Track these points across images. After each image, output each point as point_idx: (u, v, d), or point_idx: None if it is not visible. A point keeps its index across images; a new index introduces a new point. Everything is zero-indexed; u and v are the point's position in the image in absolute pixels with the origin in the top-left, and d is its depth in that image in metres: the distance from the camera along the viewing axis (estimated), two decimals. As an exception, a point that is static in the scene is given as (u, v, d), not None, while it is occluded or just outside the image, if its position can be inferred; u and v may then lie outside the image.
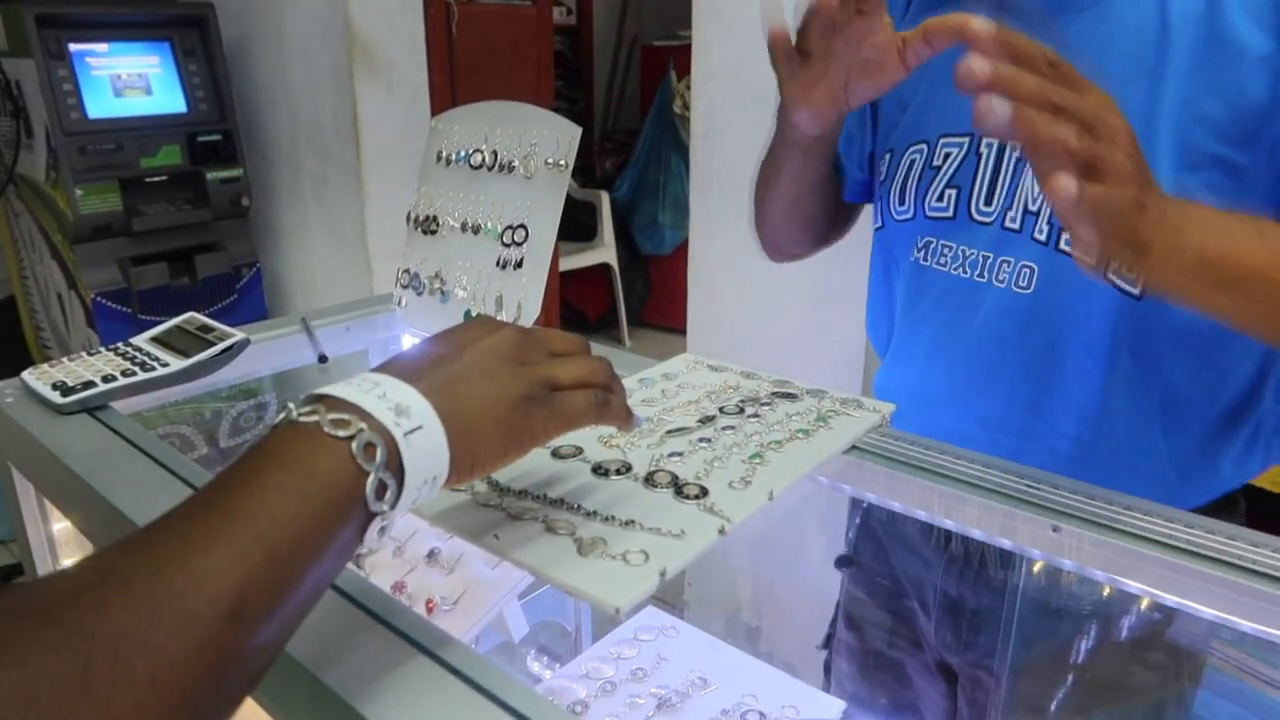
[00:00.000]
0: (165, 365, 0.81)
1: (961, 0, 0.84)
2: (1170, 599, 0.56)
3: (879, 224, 0.91)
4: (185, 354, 0.82)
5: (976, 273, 0.80)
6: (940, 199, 0.81)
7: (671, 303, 4.18)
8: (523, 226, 0.82)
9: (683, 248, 3.82)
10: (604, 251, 4.10)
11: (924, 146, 0.83)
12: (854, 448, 0.68)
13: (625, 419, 0.51)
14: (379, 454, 0.39)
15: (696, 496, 0.56)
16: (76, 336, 2.65)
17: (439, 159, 0.90)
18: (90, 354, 0.83)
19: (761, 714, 0.77)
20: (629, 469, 0.60)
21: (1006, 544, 0.64)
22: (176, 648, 0.32)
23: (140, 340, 0.86)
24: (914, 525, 0.86)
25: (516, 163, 0.83)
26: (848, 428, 0.68)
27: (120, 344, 0.85)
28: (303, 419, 0.40)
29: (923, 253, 0.84)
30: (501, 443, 0.45)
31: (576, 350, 0.51)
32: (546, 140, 0.81)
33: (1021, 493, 0.61)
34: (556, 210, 0.80)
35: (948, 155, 0.81)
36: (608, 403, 0.50)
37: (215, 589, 0.33)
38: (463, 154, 0.87)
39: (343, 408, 0.40)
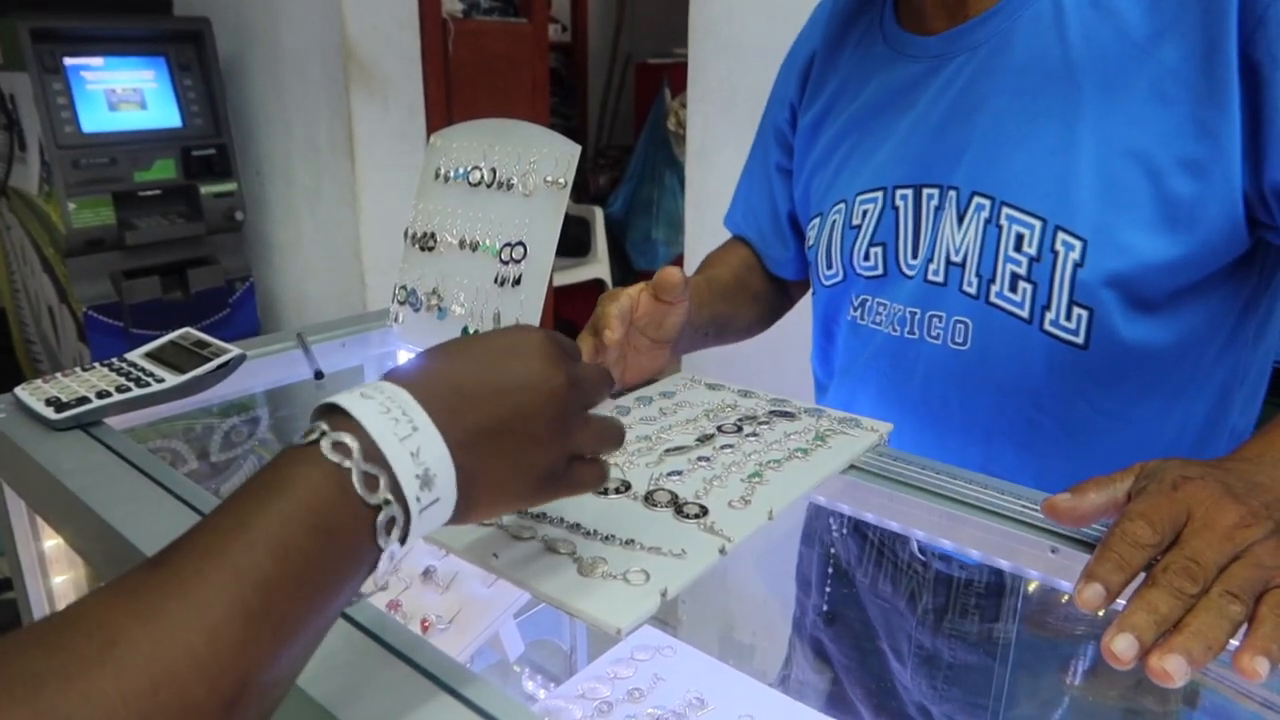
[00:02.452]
0: (160, 381, 0.80)
1: (857, 46, 0.84)
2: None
3: (813, 289, 0.88)
4: (180, 370, 0.82)
5: (906, 330, 0.77)
6: (867, 258, 0.79)
7: (664, 319, 4.18)
8: (521, 244, 0.82)
9: (676, 263, 3.81)
10: (598, 267, 4.10)
11: (843, 205, 0.81)
12: (852, 467, 0.68)
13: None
14: (396, 530, 0.37)
15: (696, 516, 0.56)
16: (67, 350, 2.64)
17: (437, 176, 0.90)
18: (84, 369, 0.82)
19: (758, 735, 0.77)
20: (628, 488, 0.60)
21: (1005, 564, 0.64)
22: (174, 709, 0.29)
23: (135, 356, 0.85)
24: (887, 572, 0.85)
25: (515, 180, 0.83)
26: (846, 447, 0.68)
27: (115, 359, 0.85)
28: (332, 456, 0.36)
29: (859, 311, 0.81)
30: (502, 508, 0.45)
31: (601, 393, 0.48)
32: (546, 158, 0.81)
33: (1020, 514, 0.61)
34: (555, 228, 0.80)
35: (865, 212, 0.79)
36: (607, 474, 0.49)
37: (218, 674, 0.31)
38: (461, 171, 0.87)
39: (374, 457, 0.37)
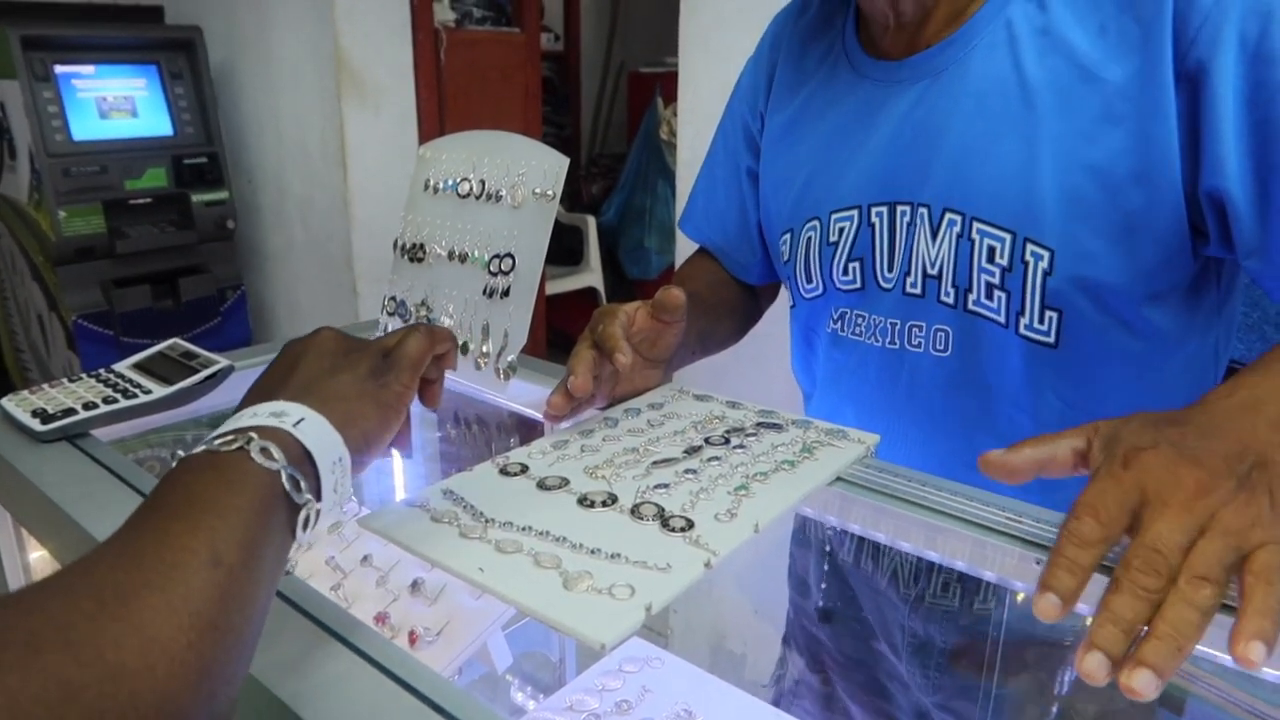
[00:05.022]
0: (148, 393, 0.80)
1: (821, 63, 0.86)
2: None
3: (792, 303, 0.91)
4: (168, 381, 0.82)
5: (888, 340, 0.80)
6: (845, 272, 0.82)
7: (657, 327, 4.18)
8: (510, 256, 0.82)
9: (669, 272, 3.83)
10: (590, 275, 4.10)
11: (817, 223, 0.83)
12: (839, 479, 0.68)
13: (451, 337, 0.58)
14: (276, 452, 0.42)
15: (682, 529, 0.56)
16: (57, 359, 2.63)
17: (426, 187, 0.90)
18: (71, 381, 0.82)
19: (747, 747, 0.77)
20: (615, 500, 0.60)
21: (990, 576, 0.64)
22: (160, 666, 0.33)
23: (122, 367, 0.85)
24: (881, 567, 0.86)
25: (504, 192, 0.83)
26: (833, 459, 0.68)
27: (102, 370, 0.84)
28: (195, 452, 0.42)
29: (839, 324, 0.84)
30: (378, 413, 0.50)
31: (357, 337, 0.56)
32: (534, 170, 0.82)
33: (1005, 526, 0.61)
34: (544, 240, 0.80)
35: (841, 230, 0.81)
36: (432, 331, 0.56)
37: (192, 607, 0.35)
38: (450, 182, 0.88)
39: (228, 437, 0.43)
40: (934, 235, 0.75)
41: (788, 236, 0.87)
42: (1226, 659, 0.53)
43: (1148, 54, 0.64)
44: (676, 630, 1.90)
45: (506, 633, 0.85)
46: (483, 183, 0.85)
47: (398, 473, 1.11)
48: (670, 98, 3.92)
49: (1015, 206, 0.70)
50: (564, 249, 4.11)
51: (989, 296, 0.72)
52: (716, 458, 0.67)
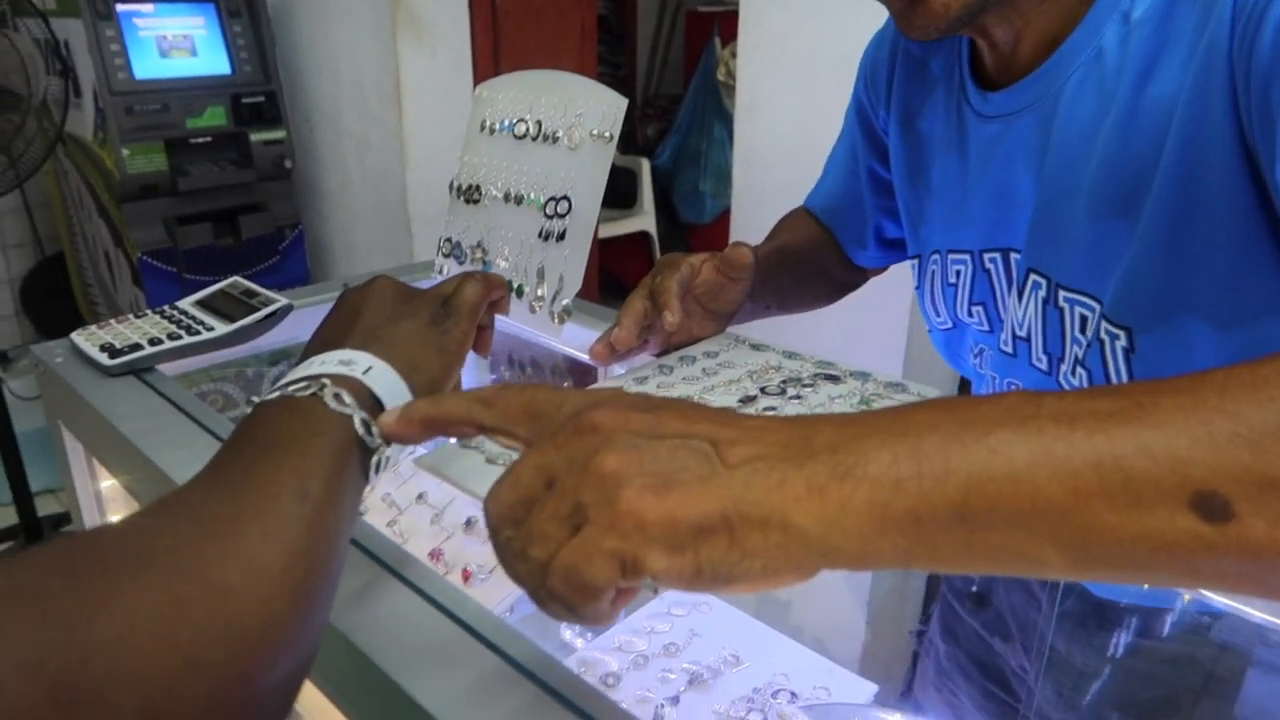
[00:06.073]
0: (210, 329, 0.82)
1: (939, 82, 0.79)
2: None
3: (929, 326, 0.86)
4: (230, 318, 0.83)
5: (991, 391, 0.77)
6: (970, 314, 0.78)
7: (709, 273, 4.14)
8: (566, 198, 0.81)
9: (724, 216, 3.79)
10: (644, 219, 4.07)
11: (938, 258, 0.80)
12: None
13: (504, 284, 0.59)
14: (348, 398, 0.43)
15: (736, 478, 0.56)
16: (123, 294, 2.70)
17: (483, 128, 0.90)
18: (137, 317, 0.84)
19: (793, 693, 0.77)
20: (668, 448, 0.59)
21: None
22: (261, 587, 0.34)
23: (185, 304, 0.87)
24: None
25: (561, 133, 0.82)
26: (891, 412, 0.67)
27: (166, 307, 0.86)
28: (270, 397, 0.44)
29: (979, 360, 0.80)
30: (440, 359, 0.51)
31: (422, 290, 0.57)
32: (592, 111, 0.80)
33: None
34: (600, 183, 0.79)
35: (958, 272, 0.78)
36: (488, 278, 0.57)
37: (285, 535, 0.36)
38: (507, 123, 0.87)
39: (302, 383, 0.44)
40: (1020, 296, 0.70)
41: (916, 262, 0.84)
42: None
43: (1210, 85, 0.55)
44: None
45: (557, 573, 0.86)
46: (539, 123, 0.84)
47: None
48: (729, 37, 3.83)
49: (1097, 276, 0.64)
50: (617, 192, 4.08)
51: (1073, 373, 0.67)
52: (772, 408, 0.66)
